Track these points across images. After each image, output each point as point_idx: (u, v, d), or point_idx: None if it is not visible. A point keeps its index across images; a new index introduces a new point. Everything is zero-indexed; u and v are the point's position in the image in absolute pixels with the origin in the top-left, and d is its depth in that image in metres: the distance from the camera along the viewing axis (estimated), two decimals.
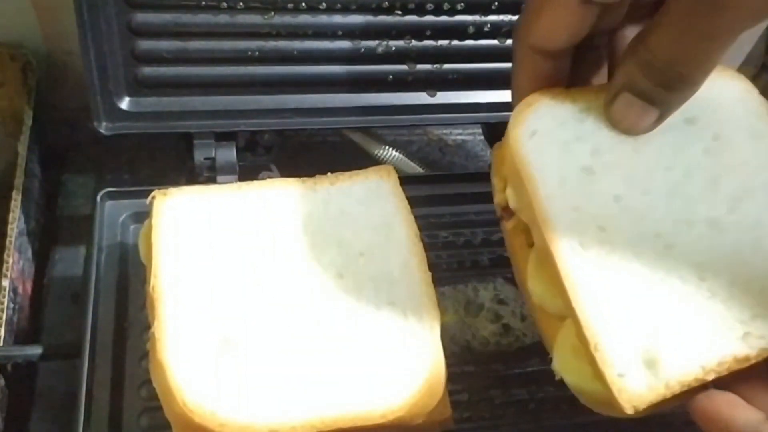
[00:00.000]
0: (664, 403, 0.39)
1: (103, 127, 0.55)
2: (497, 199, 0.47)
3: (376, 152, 0.67)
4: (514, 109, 0.45)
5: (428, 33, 0.59)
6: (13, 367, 0.53)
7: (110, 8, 0.51)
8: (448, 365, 0.47)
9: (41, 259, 0.65)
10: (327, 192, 0.53)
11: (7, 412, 0.52)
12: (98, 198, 0.56)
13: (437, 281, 0.50)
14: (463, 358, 0.53)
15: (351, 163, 0.57)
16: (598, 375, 0.38)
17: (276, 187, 0.52)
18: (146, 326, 0.47)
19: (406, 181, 0.56)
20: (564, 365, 0.42)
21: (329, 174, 0.54)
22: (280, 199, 0.52)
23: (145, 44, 0.54)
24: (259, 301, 0.46)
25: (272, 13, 0.55)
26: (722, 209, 0.43)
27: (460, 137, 0.80)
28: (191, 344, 0.43)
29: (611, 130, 0.44)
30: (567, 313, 0.40)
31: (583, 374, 0.40)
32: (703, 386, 0.39)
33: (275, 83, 0.58)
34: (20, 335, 0.58)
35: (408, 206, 0.53)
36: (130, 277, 0.53)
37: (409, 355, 0.45)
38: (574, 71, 0.45)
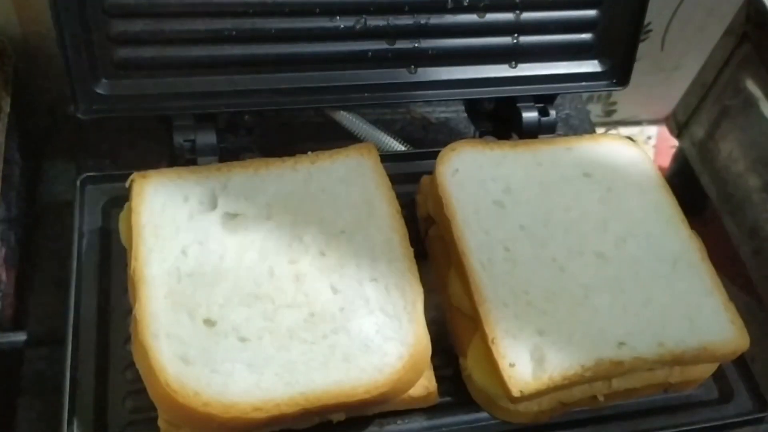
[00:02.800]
0: (548, 393, 0.46)
1: (81, 111, 0.55)
2: (420, 212, 0.58)
3: (357, 131, 0.67)
4: (441, 151, 0.55)
5: (406, 9, 0.58)
6: None
7: None
8: (433, 341, 0.48)
9: (25, 247, 0.64)
10: (307, 171, 0.53)
11: None
12: (78, 183, 0.56)
13: (419, 257, 0.50)
14: (447, 333, 0.53)
15: (334, 143, 0.56)
16: (494, 366, 0.45)
17: (255, 167, 0.52)
18: (129, 310, 0.47)
19: (387, 158, 0.56)
20: (475, 363, 0.48)
21: (310, 153, 0.54)
22: (259, 179, 0.51)
23: (120, 25, 0.53)
24: (239, 281, 0.46)
25: None
26: (609, 245, 0.52)
27: (443, 115, 0.80)
28: (172, 325, 0.43)
29: (519, 176, 0.54)
30: (474, 314, 0.47)
31: (489, 374, 0.46)
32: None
33: (253, 63, 0.57)
34: (5, 322, 0.57)
35: (389, 183, 0.53)
36: (112, 262, 0.53)
37: (392, 331, 0.45)
38: None
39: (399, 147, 0.68)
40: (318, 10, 0.56)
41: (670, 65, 0.93)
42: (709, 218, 0.85)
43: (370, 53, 0.59)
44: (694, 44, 0.89)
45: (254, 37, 0.55)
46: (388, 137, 0.67)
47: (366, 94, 0.61)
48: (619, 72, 0.64)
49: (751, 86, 0.72)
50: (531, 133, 0.62)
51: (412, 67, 0.61)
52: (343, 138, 0.70)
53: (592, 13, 0.62)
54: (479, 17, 0.61)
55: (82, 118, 0.55)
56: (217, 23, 0.54)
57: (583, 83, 0.65)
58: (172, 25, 0.54)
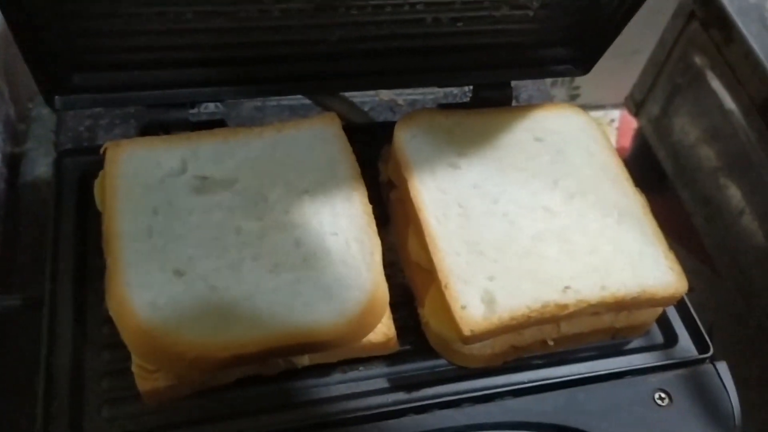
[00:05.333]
0: (498, 334, 0.49)
1: (57, 103, 0.54)
2: (382, 177, 0.61)
3: (329, 107, 0.69)
4: (400, 119, 0.58)
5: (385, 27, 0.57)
6: None
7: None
8: (394, 296, 0.51)
9: (8, 225, 0.67)
10: (274, 138, 0.56)
11: None
12: (56, 156, 0.58)
13: (382, 221, 0.53)
14: (407, 288, 0.56)
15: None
16: (448, 310, 0.48)
17: (224, 135, 0.55)
18: (104, 271, 0.49)
19: (351, 129, 0.59)
20: (431, 311, 0.52)
21: (276, 123, 0.57)
22: (228, 146, 0.54)
23: (85, 24, 0.53)
24: (208, 237, 0.49)
25: None
26: (558, 201, 0.55)
27: (410, 97, 0.83)
28: (143, 275, 0.46)
29: (473, 141, 0.58)
30: (430, 266, 0.50)
31: (444, 319, 0.49)
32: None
33: (225, 60, 0.57)
34: None
35: (350, 149, 0.56)
36: (88, 228, 0.55)
37: (352, 279, 0.48)
38: None
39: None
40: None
41: (629, 49, 0.97)
42: (669, 195, 0.89)
43: (346, 53, 0.60)
44: (650, 27, 0.93)
45: (225, 33, 0.56)
46: (357, 110, 0.70)
47: (339, 82, 0.62)
48: (583, 61, 0.65)
49: (699, 62, 0.76)
50: (487, 105, 0.65)
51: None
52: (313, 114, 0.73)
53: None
54: (455, 28, 0.60)
55: (57, 109, 0.57)
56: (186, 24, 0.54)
57: (545, 69, 0.68)
58: (137, 22, 0.53)
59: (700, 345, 0.55)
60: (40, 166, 0.72)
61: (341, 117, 0.66)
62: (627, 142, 0.99)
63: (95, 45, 0.54)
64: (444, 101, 0.82)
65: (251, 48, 0.57)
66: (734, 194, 0.74)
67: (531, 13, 0.60)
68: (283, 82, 0.60)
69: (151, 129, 0.59)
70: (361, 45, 0.60)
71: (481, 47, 0.63)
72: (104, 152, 0.53)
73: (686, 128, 0.79)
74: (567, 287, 0.50)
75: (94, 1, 0.50)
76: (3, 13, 0.48)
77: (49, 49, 0.52)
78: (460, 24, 0.60)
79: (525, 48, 0.64)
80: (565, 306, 0.49)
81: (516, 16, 0.61)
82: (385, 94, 0.82)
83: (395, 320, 0.52)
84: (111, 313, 0.46)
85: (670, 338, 0.56)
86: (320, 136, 0.56)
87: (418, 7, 0.57)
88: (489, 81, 0.65)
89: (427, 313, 0.52)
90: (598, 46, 0.64)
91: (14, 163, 0.72)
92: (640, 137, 0.91)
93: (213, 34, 0.55)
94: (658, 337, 0.56)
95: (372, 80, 0.64)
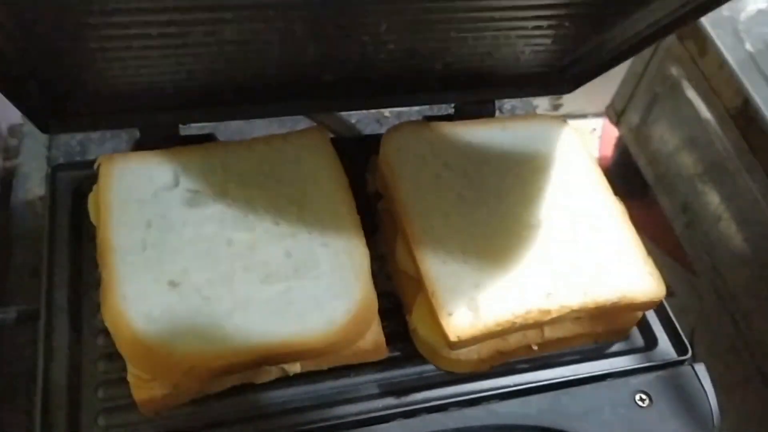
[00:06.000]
0: (484, 340, 0.51)
1: (50, 128, 0.55)
2: (370, 188, 0.62)
3: (317, 119, 0.71)
4: (386, 132, 0.60)
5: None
6: None
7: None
8: (383, 304, 0.52)
9: (2, 238, 0.68)
10: (262, 151, 0.57)
11: None
12: (49, 171, 0.60)
13: (370, 230, 0.55)
14: (396, 296, 0.58)
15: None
16: (435, 317, 0.50)
17: (215, 149, 0.57)
18: (99, 283, 0.50)
19: (339, 141, 0.60)
20: (419, 318, 0.53)
21: (264, 136, 0.59)
22: (218, 159, 0.56)
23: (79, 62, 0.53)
24: (200, 249, 0.50)
25: None
26: (540, 209, 0.57)
27: (396, 109, 0.85)
28: (138, 286, 0.47)
29: (457, 152, 0.59)
30: (418, 275, 0.52)
31: (431, 326, 0.51)
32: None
33: (218, 85, 0.56)
34: None
35: (338, 161, 0.58)
36: (83, 241, 0.57)
37: (341, 288, 0.50)
38: None
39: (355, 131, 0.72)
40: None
41: None
42: (650, 202, 0.91)
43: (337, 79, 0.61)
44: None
45: (219, 72, 0.56)
46: (344, 123, 0.71)
47: (329, 103, 0.63)
48: (568, 84, 0.66)
49: (675, 73, 0.79)
50: (471, 117, 0.67)
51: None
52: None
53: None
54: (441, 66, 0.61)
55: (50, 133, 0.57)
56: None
57: (530, 89, 0.68)
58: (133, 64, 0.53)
59: (679, 347, 0.57)
60: (33, 180, 0.73)
61: (329, 129, 0.68)
62: (609, 150, 1.01)
63: (89, 78, 0.54)
64: (429, 113, 0.83)
65: (244, 79, 0.59)
66: (712, 200, 0.76)
67: (525, 51, 0.62)
68: (274, 104, 0.61)
69: (142, 143, 0.61)
70: (354, 74, 0.60)
71: (466, 72, 0.64)
72: (98, 167, 0.54)
73: (665, 137, 0.81)
74: (549, 293, 0.52)
75: (87, 44, 0.50)
76: None
77: (42, 81, 0.52)
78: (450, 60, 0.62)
79: (512, 74, 0.64)
80: (548, 312, 0.51)
81: (505, 51, 0.62)
82: None
83: (384, 327, 0.53)
84: (106, 324, 0.47)
85: (650, 341, 0.58)
86: (309, 149, 0.58)
87: (414, 60, 0.59)
88: (473, 100, 0.66)
89: (414, 320, 0.53)
90: (583, 77, 0.66)
91: (6, 177, 0.73)
92: (621, 146, 0.93)
93: (207, 71, 0.56)
94: (639, 341, 0.58)
95: (360, 102, 0.65)
